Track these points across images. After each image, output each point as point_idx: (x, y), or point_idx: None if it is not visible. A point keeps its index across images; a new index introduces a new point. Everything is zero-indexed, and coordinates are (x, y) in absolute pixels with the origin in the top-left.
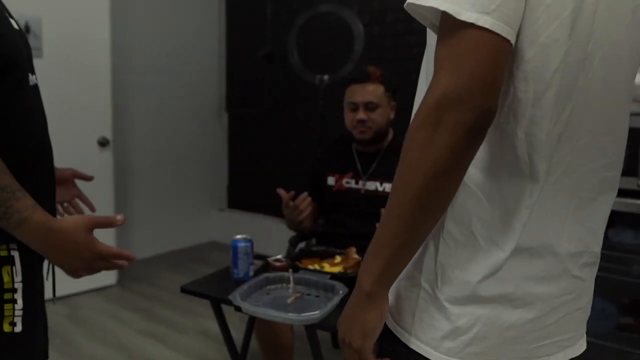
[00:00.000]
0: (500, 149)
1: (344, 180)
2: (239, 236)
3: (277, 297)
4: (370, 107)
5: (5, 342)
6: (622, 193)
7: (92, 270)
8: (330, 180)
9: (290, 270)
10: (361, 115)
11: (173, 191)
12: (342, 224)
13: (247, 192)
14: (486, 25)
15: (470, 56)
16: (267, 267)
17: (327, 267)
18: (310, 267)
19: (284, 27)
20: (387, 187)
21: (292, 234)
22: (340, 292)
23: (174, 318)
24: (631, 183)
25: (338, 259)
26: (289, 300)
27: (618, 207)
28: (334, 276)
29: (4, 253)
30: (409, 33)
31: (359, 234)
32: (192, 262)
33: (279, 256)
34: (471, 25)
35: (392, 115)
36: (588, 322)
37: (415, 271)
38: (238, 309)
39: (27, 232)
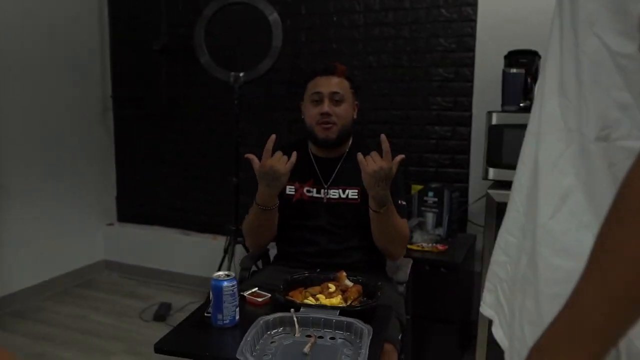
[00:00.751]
0: None
1: (305, 189)
2: (220, 273)
3: (286, 346)
4: (336, 99)
5: None
6: None
7: None
8: (290, 190)
9: (292, 310)
10: (326, 107)
11: (53, 208)
12: (307, 242)
13: (141, 203)
14: None
15: None
16: (243, 303)
17: (323, 299)
18: (307, 301)
19: (181, 16)
20: (350, 193)
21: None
22: (365, 331)
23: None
24: None
25: (332, 287)
26: (306, 349)
27: None
28: (342, 311)
29: None
30: (326, 25)
31: (327, 251)
32: (83, 288)
33: (255, 289)
34: None
35: (355, 115)
36: None
37: None
38: None
39: None
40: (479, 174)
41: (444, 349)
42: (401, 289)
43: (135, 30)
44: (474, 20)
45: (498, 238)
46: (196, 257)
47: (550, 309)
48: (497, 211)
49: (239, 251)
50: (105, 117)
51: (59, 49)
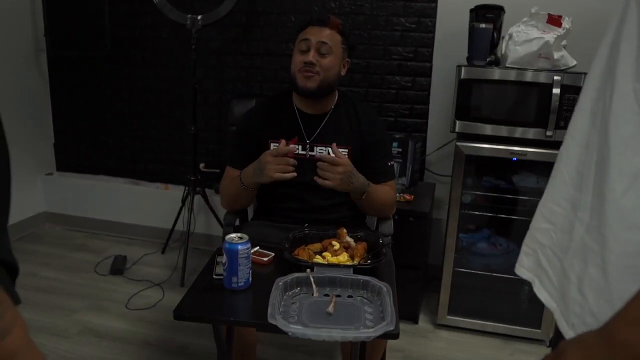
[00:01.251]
0: None
1: (291, 147)
2: (233, 235)
3: (308, 306)
4: (322, 51)
5: None
6: (531, 143)
7: None
8: (274, 147)
9: (308, 270)
10: (310, 57)
11: None
12: (293, 197)
13: (82, 152)
14: None
15: None
16: None
17: (331, 258)
18: (317, 260)
19: None
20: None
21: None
22: (384, 289)
23: (41, 320)
24: (540, 134)
25: (337, 245)
26: (330, 309)
27: (529, 156)
28: (355, 269)
29: None
30: None
31: (315, 207)
32: (26, 242)
33: (257, 248)
34: None
35: (343, 72)
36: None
37: None
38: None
39: None
40: (437, 125)
41: (410, 293)
42: (387, 240)
43: None
44: None
45: (540, 206)
46: (148, 207)
47: (621, 279)
48: (465, 162)
49: (198, 201)
50: (38, 57)
51: None
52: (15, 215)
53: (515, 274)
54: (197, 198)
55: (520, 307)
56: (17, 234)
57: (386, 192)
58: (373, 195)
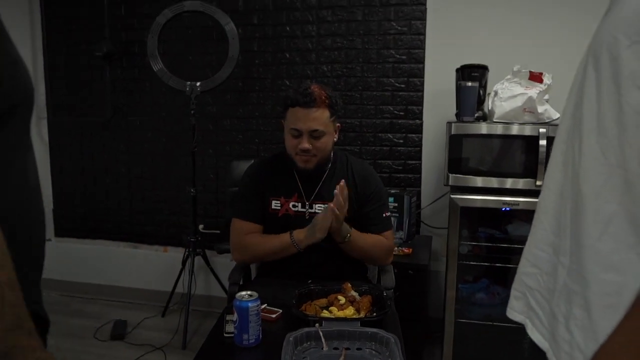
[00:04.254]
0: None
1: (291, 204)
2: (243, 293)
3: (319, 359)
4: (315, 135)
5: None
6: (522, 193)
7: None
8: (275, 205)
9: (317, 324)
10: (305, 144)
11: None
12: (295, 254)
13: (81, 216)
14: None
15: None
16: None
17: (337, 312)
18: (324, 314)
19: (121, 20)
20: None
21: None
22: (392, 340)
23: None
24: (530, 184)
25: (342, 299)
26: None
27: (521, 206)
28: (362, 322)
29: None
30: (279, 36)
31: (315, 264)
32: None
33: (265, 305)
34: None
35: (336, 138)
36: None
37: None
38: None
39: None
40: (430, 179)
41: (412, 346)
42: (389, 293)
43: (71, 33)
44: (423, 34)
45: (525, 252)
46: (147, 270)
47: (603, 317)
48: (460, 214)
49: (197, 263)
50: (39, 125)
51: None
52: None
53: (516, 322)
54: (197, 259)
55: (524, 356)
56: None
57: (374, 237)
58: (357, 241)
